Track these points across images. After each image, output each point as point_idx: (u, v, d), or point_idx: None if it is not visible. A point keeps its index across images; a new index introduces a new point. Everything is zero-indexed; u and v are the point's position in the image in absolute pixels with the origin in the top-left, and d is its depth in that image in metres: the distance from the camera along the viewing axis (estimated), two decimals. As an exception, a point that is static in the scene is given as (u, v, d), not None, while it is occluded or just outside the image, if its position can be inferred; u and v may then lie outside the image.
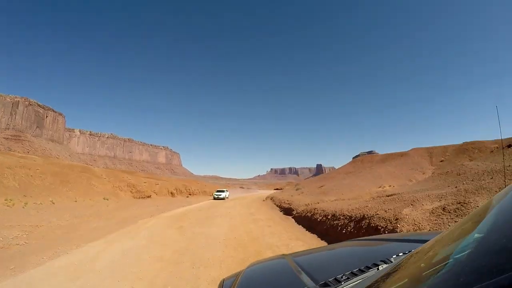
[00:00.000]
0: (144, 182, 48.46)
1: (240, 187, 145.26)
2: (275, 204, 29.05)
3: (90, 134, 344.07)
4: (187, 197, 48.24)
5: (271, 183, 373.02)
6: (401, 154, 46.35)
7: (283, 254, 2.43)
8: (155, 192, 45.15)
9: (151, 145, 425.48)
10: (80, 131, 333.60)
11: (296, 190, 32.70)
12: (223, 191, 45.51)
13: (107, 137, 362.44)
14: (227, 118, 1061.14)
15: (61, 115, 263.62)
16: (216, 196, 43.56)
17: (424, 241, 1.46)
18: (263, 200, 38.48)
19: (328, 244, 9.48)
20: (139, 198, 36.77)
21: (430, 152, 41.94)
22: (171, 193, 46.09)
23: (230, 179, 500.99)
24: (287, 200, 26.81)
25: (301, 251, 2.88)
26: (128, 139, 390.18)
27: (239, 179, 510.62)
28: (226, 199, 43.03)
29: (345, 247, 2.69)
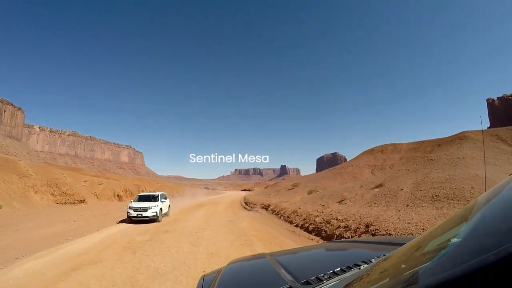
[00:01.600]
0: (85, 181, 36.65)
1: (205, 188, 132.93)
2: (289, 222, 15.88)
3: (50, 131, 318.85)
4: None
5: (235, 184, 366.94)
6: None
7: (264, 253, 2.40)
8: (95, 195, 33.56)
9: (113, 143, 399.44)
10: (40, 127, 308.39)
11: (309, 194, 23.14)
12: (154, 198, 19.39)
13: (68, 135, 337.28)
14: (191, 118, 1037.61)
15: (21, 110, 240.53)
16: (134, 215, 16.93)
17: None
18: (246, 208, 28.05)
19: None
20: (65, 203, 24.93)
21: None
22: (117, 195, 34.82)
23: (194, 179, 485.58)
24: (316, 214, 14.53)
25: (281, 251, 3.02)
26: (90, 137, 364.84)
27: (203, 180, 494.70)
28: (166, 216, 19.79)
29: (326, 249, 2.70)
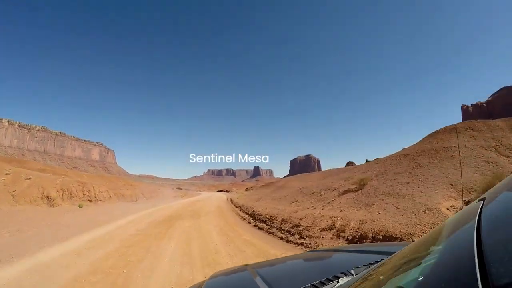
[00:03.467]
0: (6, 174, 24.87)
1: (178, 188, 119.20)
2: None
3: (19, 126, 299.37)
4: (80, 206, 23.54)
5: (208, 184, 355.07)
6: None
7: (246, 265, 2.39)
8: (12, 195, 22.00)
9: (84, 140, 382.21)
10: (8, 121, 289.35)
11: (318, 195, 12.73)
12: None
13: (38, 130, 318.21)
14: (164, 117, 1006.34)
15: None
16: None
17: (384, 253, 1.81)
18: (265, 230, 14.66)
19: None
20: None
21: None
22: (47, 197, 22.94)
23: (166, 179, 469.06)
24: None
25: (263, 262, 3.05)
26: (61, 133, 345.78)
27: (175, 180, 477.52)
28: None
29: (306, 258, 2.70)
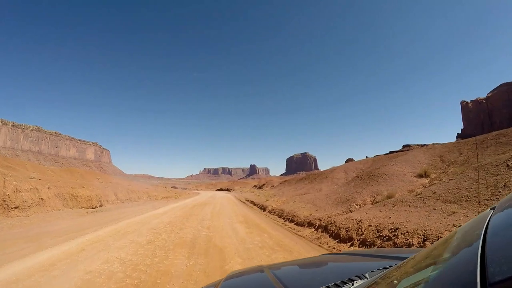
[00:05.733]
0: None
1: (172, 187, 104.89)
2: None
3: (13, 126, 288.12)
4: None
5: (205, 183, 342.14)
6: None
7: (262, 265, 2.28)
8: None
9: (79, 140, 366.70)
10: (2, 121, 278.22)
11: None
12: None
13: (32, 130, 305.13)
14: (160, 116, 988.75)
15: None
16: None
17: (398, 258, 1.77)
18: None
19: None
20: None
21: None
22: None
23: (162, 178, 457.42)
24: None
25: (279, 263, 2.86)
26: (55, 133, 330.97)
27: (171, 179, 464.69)
28: None
29: (321, 261, 2.58)
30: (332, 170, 31.50)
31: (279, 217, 16.29)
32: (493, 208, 0.88)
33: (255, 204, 26.56)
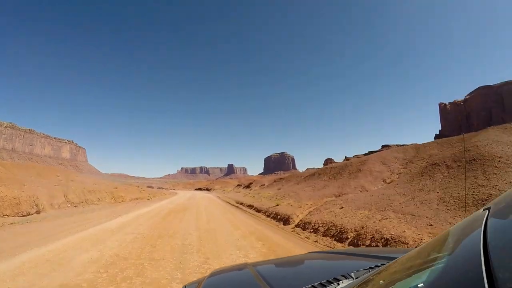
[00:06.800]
0: None
1: (148, 186, 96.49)
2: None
3: None
4: None
5: (183, 182, 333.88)
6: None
7: (246, 263, 2.22)
8: None
9: (54, 138, 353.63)
10: None
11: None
12: None
13: (5, 127, 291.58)
14: (138, 116, 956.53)
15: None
16: None
17: (387, 258, 1.68)
18: None
19: None
20: None
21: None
22: None
23: (139, 178, 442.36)
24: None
25: (263, 261, 2.88)
26: (29, 130, 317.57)
27: (148, 178, 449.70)
28: None
29: (307, 259, 2.50)
30: (363, 161, 25.75)
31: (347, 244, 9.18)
32: (487, 209, 0.83)
33: (258, 211, 20.00)
